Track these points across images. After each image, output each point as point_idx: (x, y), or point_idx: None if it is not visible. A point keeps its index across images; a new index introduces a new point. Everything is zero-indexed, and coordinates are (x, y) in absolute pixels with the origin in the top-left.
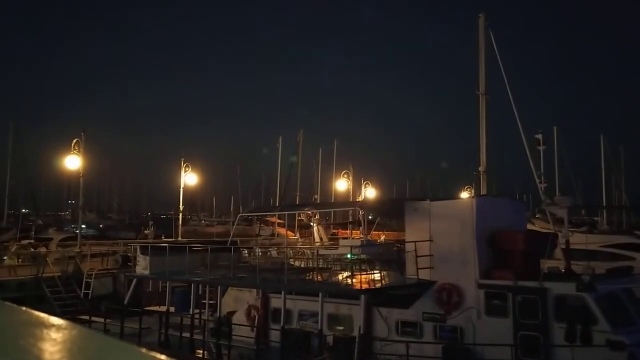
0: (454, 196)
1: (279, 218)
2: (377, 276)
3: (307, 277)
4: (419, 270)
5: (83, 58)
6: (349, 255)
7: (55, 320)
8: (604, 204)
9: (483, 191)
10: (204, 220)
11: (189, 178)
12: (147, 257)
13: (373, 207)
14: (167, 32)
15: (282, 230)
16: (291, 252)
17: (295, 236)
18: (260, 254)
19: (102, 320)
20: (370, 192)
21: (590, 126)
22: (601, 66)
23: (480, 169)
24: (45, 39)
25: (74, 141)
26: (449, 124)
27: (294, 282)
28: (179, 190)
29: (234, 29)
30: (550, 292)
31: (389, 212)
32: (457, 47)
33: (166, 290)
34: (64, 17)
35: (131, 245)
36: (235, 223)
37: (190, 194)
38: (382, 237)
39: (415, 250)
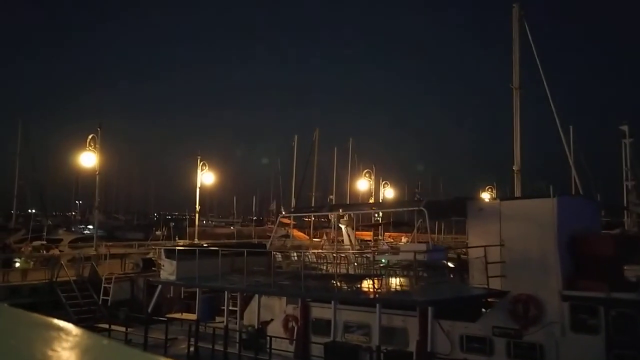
0: (473, 196)
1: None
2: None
3: (358, 286)
4: (489, 279)
5: (86, 55)
6: (383, 260)
7: (46, 320)
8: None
9: (518, 191)
10: (212, 222)
11: (205, 177)
12: (174, 262)
13: (436, 207)
14: (182, 26)
15: (296, 232)
16: (331, 256)
17: (309, 238)
18: (295, 258)
19: (122, 329)
20: (388, 192)
21: (609, 123)
22: (619, 63)
23: (515, 167)
24: (55, 30)
25: (90, 137)
26: (466, 125)
27: (346, 291)
28: (188, 190)
29: (257, 24)
30: None
31: (445, 212)
32: (477, 48)
33: (188, 297)
34: (73, 7)
35: (155, 248)
36: (276, 224)
37: (201, 194)
38: (404, 240)
39: (485, 256)
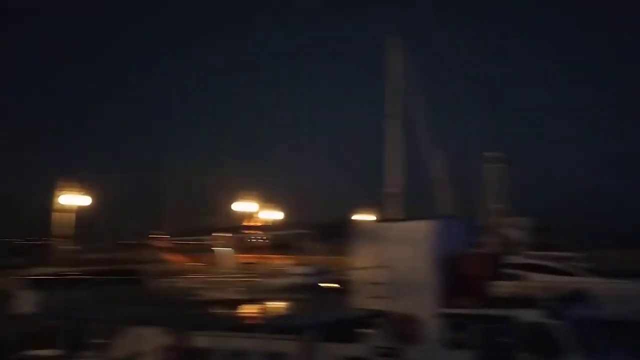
0: (355, 217)
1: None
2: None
3: (240, 311)
4: (369, 300)
5: None
6: (267, 284)
7: None
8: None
9: (394, 213)
10: (80, 247)
11: (75, 199)
12: (35, 292)
13: (321, 229)
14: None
15: (170, 256)
16: (212, 281)
17: (187, 262)
18: (174, 284)
19: None
20: (271, 214)
21: (475, 148)
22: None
23: (390, 190)
24: None
25: None
26: (347, 146)
27: (226, 318)
28: (53, 212)
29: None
30: (517, 320)
31: (330, 234)
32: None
33: (50, 331)
34: None
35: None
36: (150, 248)
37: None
38: (285, 262)
39: (368, 277)
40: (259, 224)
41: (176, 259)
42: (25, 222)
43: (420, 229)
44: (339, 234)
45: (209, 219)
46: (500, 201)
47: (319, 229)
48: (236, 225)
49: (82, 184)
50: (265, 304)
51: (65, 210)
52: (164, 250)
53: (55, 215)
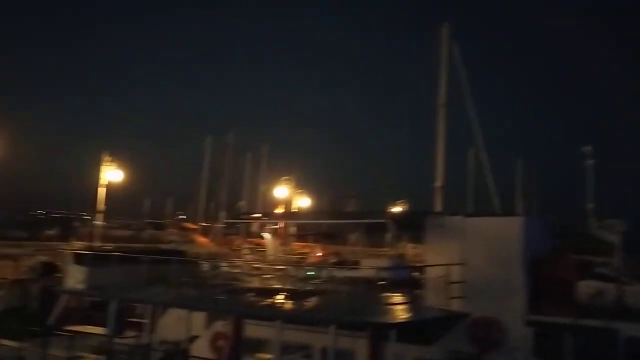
0: (383, 210)
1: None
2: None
3: (304, 303)
4: (447, 300)
5: None
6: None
7: None
8: None
9: (439, 208)
10: (108, 223)
11: (112, 174)
12: (84, 269)
13: (399, 221)
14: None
15: (200, 239)
16: (267, 268)
17: (215, 245)
18: (227, 268)
19: (13, 344)
20: (304, 202)
21: (507, 148)
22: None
23: (437, 184)
24: None
25: None
26: (386, 138)
27: (293, 310)
28: (83, 188)
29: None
30: (621, 333)
31: (405, 226)
32: (401, 61)
33: (89, 307)
34: None
35: (55, 250)
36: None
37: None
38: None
39: (446, 275)
40: (296, 210)
41: (204, 241)
42: (67, 196)
43: (509, 226)
44: (413, 226)
45: (240, 204)
46: (591, 200)
47: (398, 220)
48: (296, 212)
49: (117, 159)
50: (330, 297)
51: (101, 185)
52: (193, 231)
53: (93, 190)
